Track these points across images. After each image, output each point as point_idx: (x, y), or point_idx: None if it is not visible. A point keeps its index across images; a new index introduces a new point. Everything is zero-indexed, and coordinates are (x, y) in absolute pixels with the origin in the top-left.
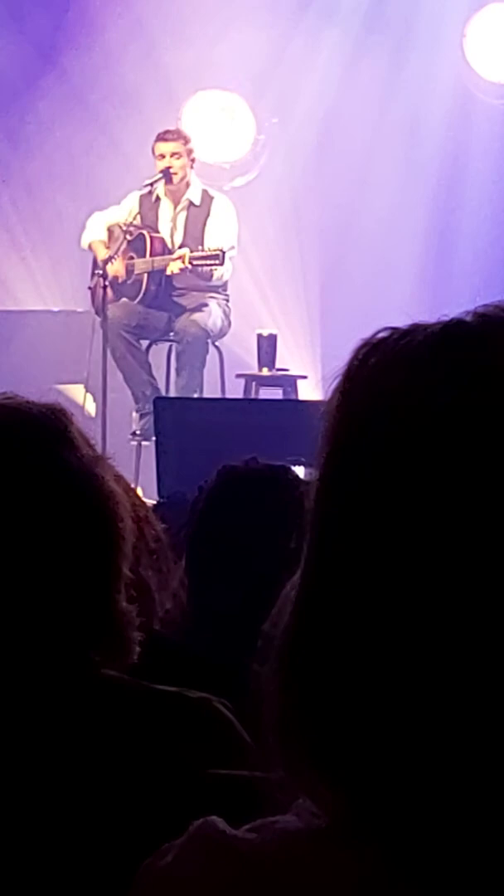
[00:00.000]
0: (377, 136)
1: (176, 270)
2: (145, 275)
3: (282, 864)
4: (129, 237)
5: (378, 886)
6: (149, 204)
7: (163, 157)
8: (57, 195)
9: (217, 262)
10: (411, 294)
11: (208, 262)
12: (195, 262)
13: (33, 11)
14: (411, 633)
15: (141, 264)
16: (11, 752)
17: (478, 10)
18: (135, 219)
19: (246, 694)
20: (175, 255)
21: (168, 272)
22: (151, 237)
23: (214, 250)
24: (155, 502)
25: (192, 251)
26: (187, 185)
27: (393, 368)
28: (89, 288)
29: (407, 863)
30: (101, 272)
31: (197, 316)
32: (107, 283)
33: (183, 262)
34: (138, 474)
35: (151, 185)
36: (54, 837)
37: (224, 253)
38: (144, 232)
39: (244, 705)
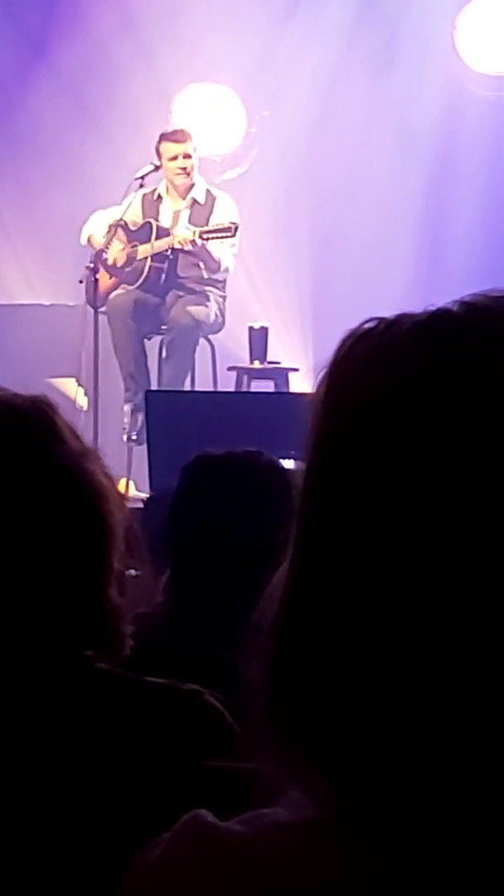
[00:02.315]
0: (369, 128)
1: (189, 237)
2: (148, 259)
3: (272, 857)
4: (131, 228)
5: (369, 877)
6: (150, 202)
7: (175, 158)
8: (48, 189)
9: (229, 234)
10: (403, 286)
11: (220, 234)
12: (206, 236)
13: (24, 5)
14: (400, 621)
15: (143, 250)
16: (6, 747)
17: (468, 2)
18: (135, 215)
19: (234, 687)
20: (181, 234)
21: (177, 244)
22: (157, 227)
23: (227, 224)
24: (147, 496)
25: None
26: (192, 184)
27: (379, 358)
28: (80, 281)
29: (398, 853)
30: (91, 265)
31: (192, 307)
32: (97, 276)
33: (193, 235)
34: (130, 468)
35: (143, 178)
36: (51, 830)
37: (236, 226)
38: (151, 221)
39: (232, 698)
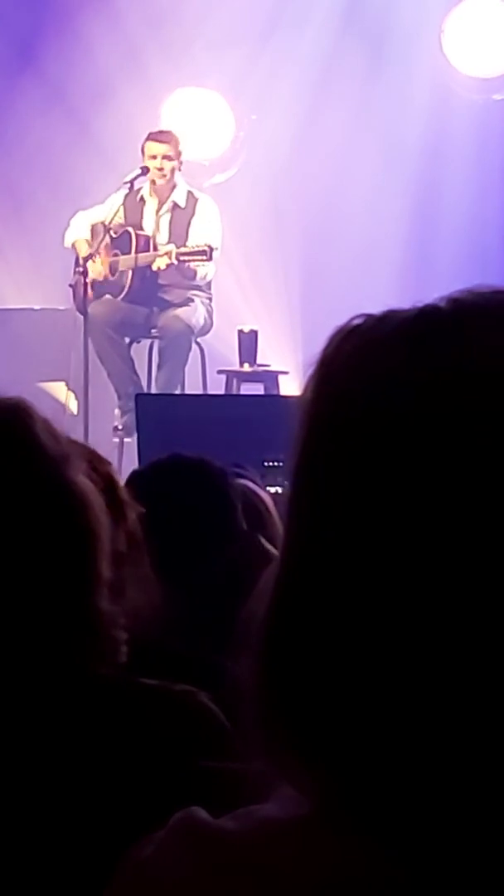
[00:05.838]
0: (356, 132)
1: (163, 266)
2: (130, 271)
3: (264, 853)
4: (112, 235)
5: (362, 873)
6: (133, 203)
7: (154, 157)
8: (37, 193)
9: (204, 257)
10: (391, 289)
11: (196, 257)
12: (182, 258)
13: (11, 9)
14: (391, 617)
15: (125, 261)
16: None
17: (455, 6)
18: (118, 217)
19: (221, 685)
20: (162, 252)
21: (154, 268)
22: (136, 234)
23: (202, 246)
24: None
25: (178, 248)
26: (173, 186)
27: (368, 355)
28: (70, 286)
29: (390, 848)
30: (81, 269)
31: (180, 312)
32: (87, 280)
33: (169, 257)
34: (121, 471)
35: (132, 181)
36: (43, 830)
37: (212, 249)
38: (129, 229)
39: (220, 697)
